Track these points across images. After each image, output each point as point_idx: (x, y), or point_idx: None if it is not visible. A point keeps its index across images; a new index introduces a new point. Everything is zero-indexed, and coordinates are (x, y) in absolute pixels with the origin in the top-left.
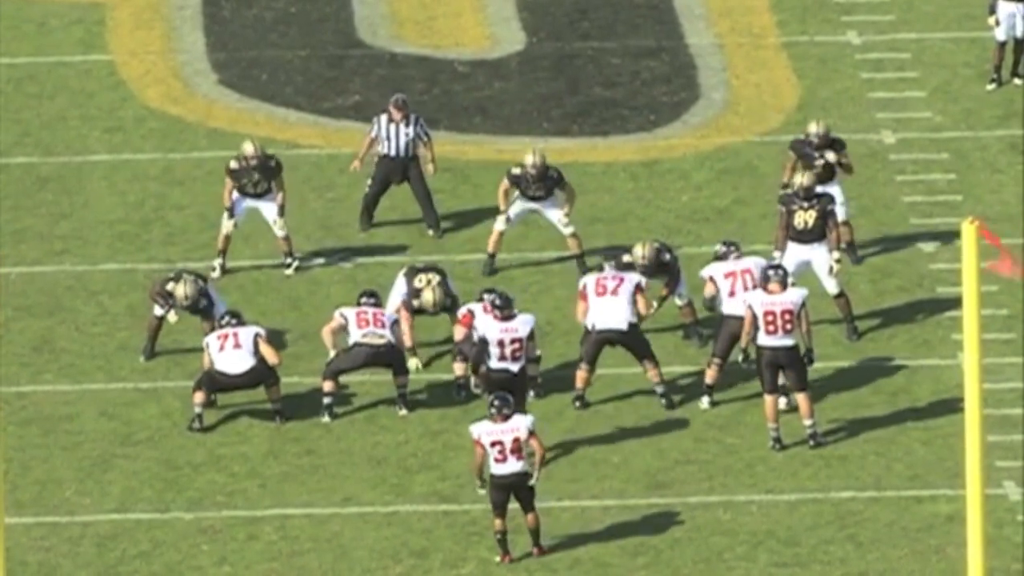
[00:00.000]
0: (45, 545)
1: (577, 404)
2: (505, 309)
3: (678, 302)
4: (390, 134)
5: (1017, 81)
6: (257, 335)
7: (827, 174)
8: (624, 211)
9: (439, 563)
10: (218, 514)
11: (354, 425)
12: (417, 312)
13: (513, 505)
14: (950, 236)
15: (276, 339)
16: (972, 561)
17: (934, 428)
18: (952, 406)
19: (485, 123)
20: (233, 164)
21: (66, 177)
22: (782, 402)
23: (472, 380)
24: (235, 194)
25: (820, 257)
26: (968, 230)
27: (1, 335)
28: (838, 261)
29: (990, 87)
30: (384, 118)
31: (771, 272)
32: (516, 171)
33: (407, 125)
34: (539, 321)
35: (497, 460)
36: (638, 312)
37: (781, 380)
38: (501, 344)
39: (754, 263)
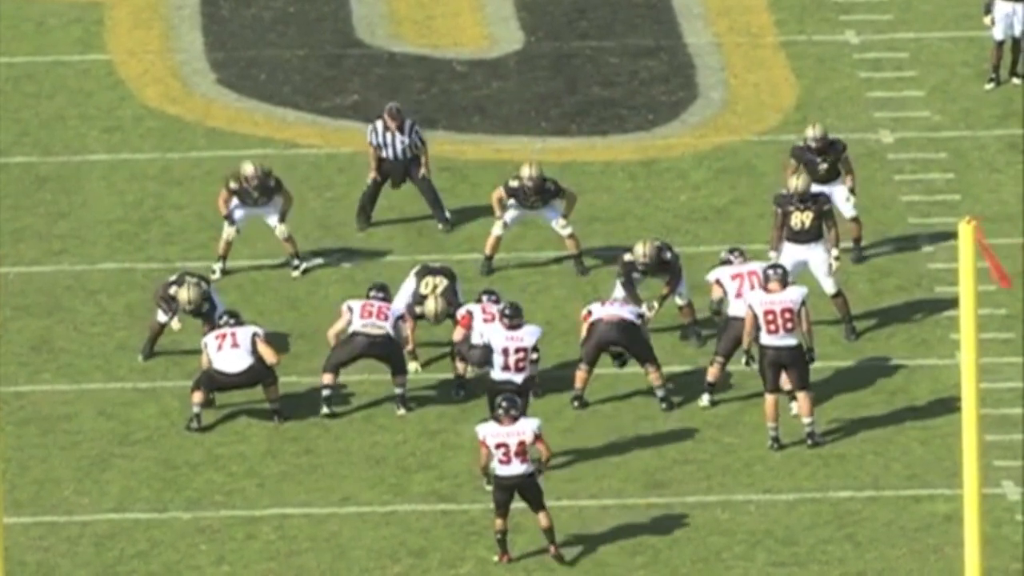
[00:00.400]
0: (43, 545)
1: (576, 404)
2: (515, 318)
3: (678, 301)
4: (386, 141)
5: (1016, 81)
6: (255, 335)
7: (831, 175)
8: (622, 210)
9: (437, 562)
10: (216, 514)
11: (352, 425)
12: (418, 317)
13: (514, 506)
14: (948, 236)
15: (274, 339)
16: (970, 560)
17: (932, 428)
18: (950, 406)
19: (483, 122)
20: (232, 184)
21: (64, 176)
22: (794, 407)
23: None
24: (234, 200)
25: (817, 257)
26: (965, 230)
27: (0, 334)
28: (837, 259)
29: (988, 86)
30: (380, 125)
31: (770, 271)
32: (513, 183)
33: (403, 133)
34: (537, 321)
35: (501, 462)
36: (641, 315)
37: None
38: (506, 352)
39: (760, 266)
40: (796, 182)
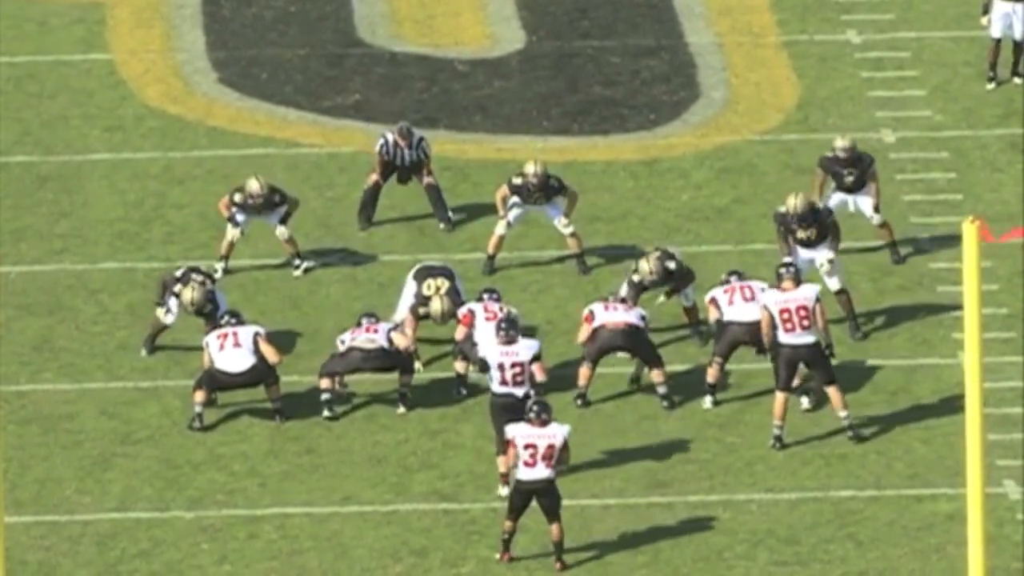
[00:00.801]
0: (45, 544)
1: (579, 402)
2: (509, 332)
3: (684, 303)
4: (394, 154)
5: (1017, 80)
6: (257, 334)
7: (857, 186)
8: (624, 210)
9: (439, 562)
10: (218, 513)
11: (354, 424)
12: (422, 318)
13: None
14: (950, 235)
15: (276, 338)
16: (972, 560)
17: (934, 427)
18: (952, 405)
19: (485, 122)
20: (237, 197)
21: (66, 176)
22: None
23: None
24: (235, 207)
25: (822, 255)
26: (968, 229)
27: (1, 334)
28: (830, 261)
29: (990, 86)
30: (390, 138)
31: (783, 270)
32: (517, 180)
33: (410, 148)
34: (539, 320)
35: (527, 464)
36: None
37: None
38: (502, 368)
39: (755, 284)
40: (794, 202)
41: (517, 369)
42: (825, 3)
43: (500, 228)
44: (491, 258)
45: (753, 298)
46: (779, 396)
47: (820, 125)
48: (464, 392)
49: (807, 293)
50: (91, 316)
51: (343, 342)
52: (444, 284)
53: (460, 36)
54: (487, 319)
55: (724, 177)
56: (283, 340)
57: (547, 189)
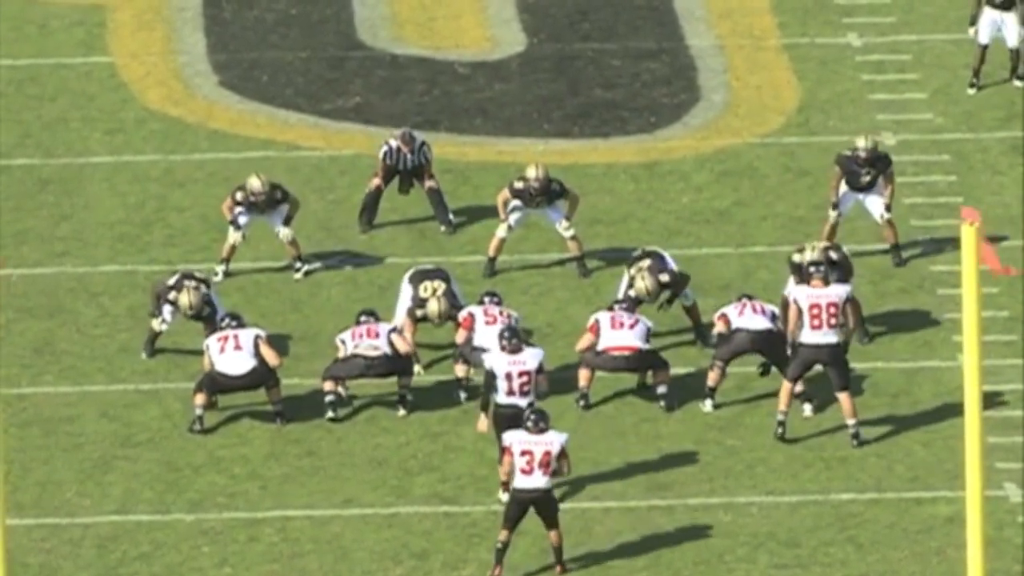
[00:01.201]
0: (46, 547)
1: (581, 403)
2: (513, 340)
3: (684, 303)
4: (397, 159)
5: (1017, 83)
6: (257, 337)
7: (872, 185)
8: (625, 213)
9: (440, 565)
10: (219, 516)
11: (355, 427)
12: (420, 320)
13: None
14: (951, 238)
15: (277, 341)
16: (972, 563)
17: (934, 430)
18: (952, 408)
19: (486, 124)
20: (239, 196)
21: (67, 179)
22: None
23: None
24: (239, 207)
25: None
26: (968, 232)
27: (2, 337)
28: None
29: (971, 91)
30: (394, 144)
31: (812, 269)
32: (519, 184)
33: (412, 152)
34: (539, 323)
35: (523, 471)
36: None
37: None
38: (509, 377)
39: (768, 305)
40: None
41: (525, 378)
42: (826, 6)
43: (501, 231)
44: (492, 261)
45: (764, 311)
46: (785, 385)
47: (821, 128)
48: (464, 395)
49: (839, 291)
50: (92, 319)
51: (343, 341)
52: (441, 286)
53: (461, 39)
54: (487, 323)
55: (725, 180)
56: (284, 343)
57: (549, 193)
